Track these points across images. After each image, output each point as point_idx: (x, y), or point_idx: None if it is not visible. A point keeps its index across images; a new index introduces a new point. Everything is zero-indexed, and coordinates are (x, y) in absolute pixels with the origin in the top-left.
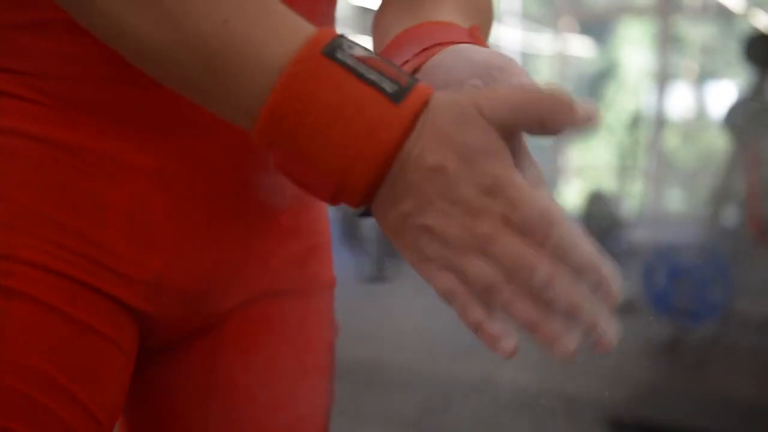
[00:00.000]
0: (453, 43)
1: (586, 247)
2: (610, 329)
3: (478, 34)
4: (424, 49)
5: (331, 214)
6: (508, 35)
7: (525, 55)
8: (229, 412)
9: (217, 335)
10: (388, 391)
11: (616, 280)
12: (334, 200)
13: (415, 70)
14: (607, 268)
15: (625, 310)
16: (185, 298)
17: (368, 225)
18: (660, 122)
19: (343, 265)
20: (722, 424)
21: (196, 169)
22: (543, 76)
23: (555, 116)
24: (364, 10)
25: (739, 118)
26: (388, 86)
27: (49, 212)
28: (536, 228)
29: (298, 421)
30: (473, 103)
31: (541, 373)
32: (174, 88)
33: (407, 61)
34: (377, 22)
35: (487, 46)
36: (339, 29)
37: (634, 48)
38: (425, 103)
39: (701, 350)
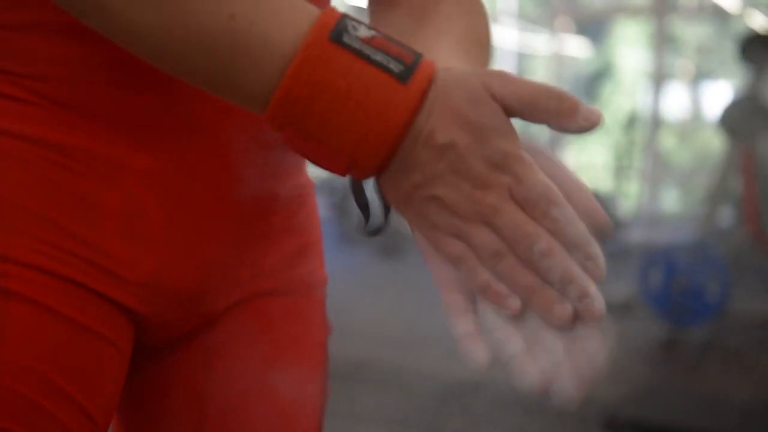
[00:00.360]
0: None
1: (580, 226)
2: (599, 300)
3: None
4: None
5: (323, 214)
6: (505, 35)
7: (521, 56)
8: (223, 411)
9: (211, 335)
10: (383, 391)
11: (602, 260)
12: (345, 173)
13: None
14: (596, 247)
15: (622, 310)
16: (179, 298)
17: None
18: (656, 122)
19: (336, 263)
20: (719, 424)
21: (190, 171)
22: (539, 76)
23: (558, 118)
24: (362, 11)
25: (735, 119)
26: (395, 66)
27: (44, 213)
28: (538, 203)
29: (291, 419)
30: (484, 84)
31: None
32: (181, 78)
33: None
34: None
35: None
36: None
37: (630, 48)
38: (431, 80)
39: (698, 350)
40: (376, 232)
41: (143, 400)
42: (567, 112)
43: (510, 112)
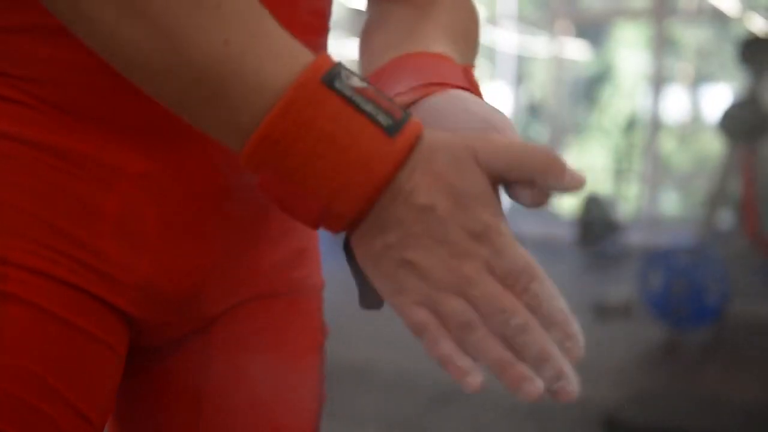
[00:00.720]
0: (449, 84)
1: (560, 303)
2: (574, 381)
3: (473, 75)
4: (420, 86)
5: None
6: (504, 38)
7: (521, 59)
8: (219, 414)
9: (207, 338)
10: (381, 393)
11: (581, 340)
12: (315, 224)
13: (408, 105)
14: (575, 327)
15: (621, 312)
16: (175, 302)
17: None
18: (655, 125)
19: (334, 267)
20: (719, 427)
21: (187, 175)
22: (539, 79)
23: (546, 176)
24: (359, 13)
25: (734, 122)
26: (383, 119)
27: (41, 215)
28: (518, 278)
29: (288, 422)
30: (469, 148)
31: None
32: (162, 103)
33: (401, 94)
34: (366, 39)
35: (480, 93)
36: (333, 31)
37: (630, 51)
38: (418, 138)
39: (697, 353)
40: (373, 305)
41: (139, 401)
42: (555, 171)
43: (497, 176)
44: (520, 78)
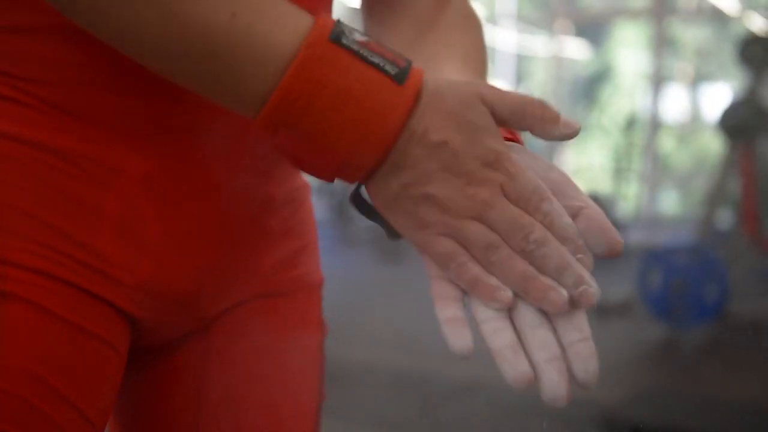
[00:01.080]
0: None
1: (569, 220)
2: (594, 285)
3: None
4: None
5: (322, 216)
6: (504, 38)
7: (520, 58)
8: (219, 413)
9: (208, 337)
10: (380, 393)
11: (590, 253)
12: (332, 177)
13: None
14: (582, 242)
15: (621, 311)
16: (175, 302)
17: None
18: (655, 124)
19: (334, 266)
20: (717, 426)
21: (187, 175)
22: (538, 78)
23: (543, 120)
24: (359, 12)
25: (734, 121)
26: (390, 68)
27: (41, 215)
28: (530, 198)
29: (287, 421)
30: (474, 90)
31: None
32: (173, 79)
33: None
34: None
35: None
36: None
37: (629, 50)
38: (423, 83)
39: (696, 352)
40: (398, 235)
41: (140, 401)
42: (550, 120)
43: (498, 119)
44: (519, 77)
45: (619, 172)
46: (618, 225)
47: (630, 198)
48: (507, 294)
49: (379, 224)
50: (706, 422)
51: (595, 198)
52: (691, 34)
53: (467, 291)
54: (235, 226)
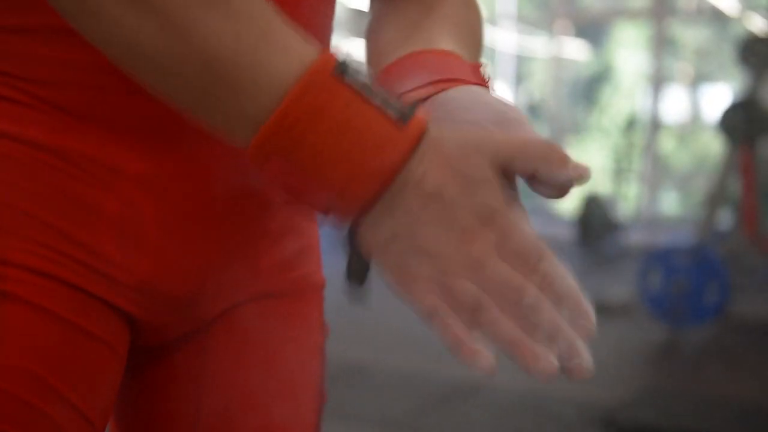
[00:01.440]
0: (461, 81)
1: (570, 281)
2: (587, 357)
3: (483, 73)
4: (433, 82)
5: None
6: (504, 38)
7: (520, 58)
8: (219, 413)
9: (208, 337)
10: (380, 393)
11: (593, 315)
12: (325, 212)
13: (423, 100)
14: (586, 303)
15: (621, 312)
16: (175, 303)
17: None
18: (655, 125)
19: (334, 266)
20: (718, 427)
21: (187, 176)
22: (538, 79)
23: (548, 167)
24: (360, 13)
25: (734, 121)
26: (393, 109)
27: (41, 215)
28: (527, 258)
29: (288, 422)
30: (476, 137)
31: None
32: (165, 96)
33: (414, 89)
34: (372, 38)
35: (491, 89)
36: (334, 32)
37: (629, 51)
38: (425, 128)
39: (697, 352)
40: (359, 281)
41: (139, 401)
42: (559, 160)
43: (502, 165)
44: (519, 78)
45: (619, 173)
46: (618, 225)
47: (630, 198)
48: (488, 361)
49: (347, 259)
50: (706, 422)
51: (595, 198)
52: (691, 35)
53: (450, 350)
54: (235, 226)
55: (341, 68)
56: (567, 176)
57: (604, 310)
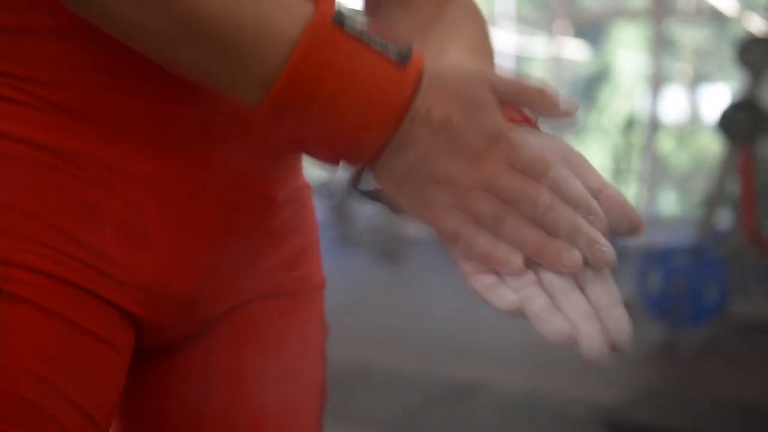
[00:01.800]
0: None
1: (578, 184)
2: (609, 246)
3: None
4: None
5: (322, 217)
6: (503, 38)
7: (520, 58)
8: (222, 413)
9: (210, 337)
10: (380, 394)
11: (603, 214)
12: (337, 161)
13: None
14: (595, 204)
15: None
16: (178, 303)
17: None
18: (654, 125)
19: (334, 267)
20: (717, 427)
21: (189, 177)
22: (538, 79)
23: (543, 99)
24: (356, 12)
25: (732, 121)
26: (392, 50)
27: (43, 216)
28: (536, 167)
29: (289, 422)
30: (478, 71)
31: (534, 376)
32: (174, 67)
33: None
34: None
35: (534, 123)
36: None
37: (628, 51)
38: (424, 64)
39: (696, 352)
40: (367, 192)
41: (143, 401)
42: (548, 105)
43: (498, 95)
44: (518, 78)
45: (618, 173)
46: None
47: (629, 198)
48: (518, 260)
49: (381, 204)
50: (705, 422)
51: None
52: (690, 35)
53: (481, 264)
54: (237, 227)
55: (339, 18)
56: (559, 111)
57: None
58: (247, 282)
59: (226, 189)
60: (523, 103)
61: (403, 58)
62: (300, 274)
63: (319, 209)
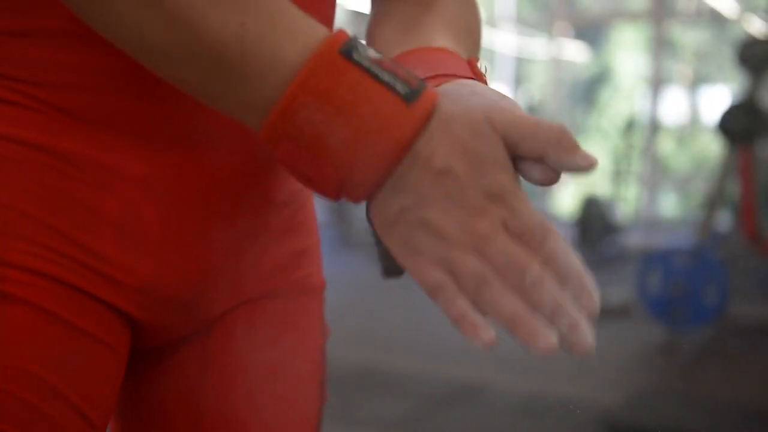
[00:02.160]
0: (455, 75)
1: (574, 259)
2: (589, 334)
3: (477, 67)
4: (428, 78)
5: (322, 218)
6: (503, 40)
7: (520, 60)
8: (220, 414)
9: (208, 338)
10: (380, 395)
11: (597, 293)
12: (336, 195)
13: None
14: (590, 282)
15: (620, 314)
16: (176, 304)
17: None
18: (654, 127)
19: (334, 268)
20: (716, 428)
21: (188, 178)
22: (537, 80)
23: (558, 150)
24: (358, 15)
25: (732, 123)
26: (401, 87)
27: (41, 217)
28: (533, 235)
29: (289, 423)
30: (486, 115)
31: (535, 377)
32: (178, 85)
33: None
34: (372, 35)
35: (486, 82)
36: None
37: (628, 53)
38: (434, 106)
39: (696, 354)
40: (393, 273)
41: (140, 402)
42: (568, 146)
43: (510, 144)
44: (518, 80)
45: (618, 175)
46: (617, 227)
47: (629, 200)
48: (490, 335)
49: (378, 252)
50: (705, 424)
51: (594, 200)
52: (690, 37)
53: (452, 324)
54: (235, 228)
55: (348, 47)
56: (575, 164)
57: (602, 311)
58: (245, 282)
59: (224, 190)
60: (536, 145)
61: (412, 96)
62: (300, 275)
63: (319, 210)
